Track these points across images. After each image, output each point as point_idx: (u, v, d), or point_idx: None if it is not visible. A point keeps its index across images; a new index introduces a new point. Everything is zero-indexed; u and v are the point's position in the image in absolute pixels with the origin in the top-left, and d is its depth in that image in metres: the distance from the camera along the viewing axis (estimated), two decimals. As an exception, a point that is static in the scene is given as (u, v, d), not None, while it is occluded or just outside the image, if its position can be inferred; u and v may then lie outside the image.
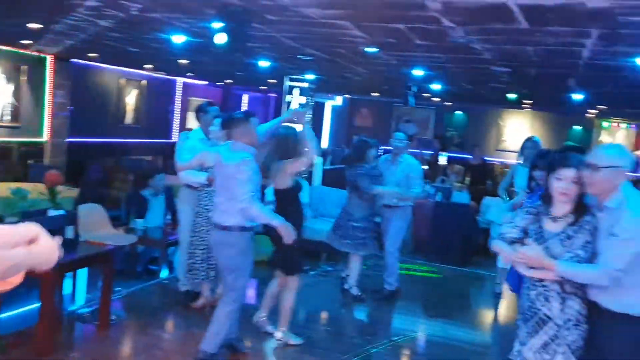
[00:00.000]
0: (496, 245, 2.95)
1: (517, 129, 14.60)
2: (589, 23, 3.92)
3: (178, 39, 6.00)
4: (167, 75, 12.35)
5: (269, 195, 5.10)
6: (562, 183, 2.75)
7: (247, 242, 3.94)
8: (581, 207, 2.79)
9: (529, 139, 6.08)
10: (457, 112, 15.32)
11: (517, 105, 12.61)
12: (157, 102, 12.46)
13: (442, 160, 11.75)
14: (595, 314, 2.75)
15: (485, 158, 12.31)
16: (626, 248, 2.61)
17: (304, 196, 7.88)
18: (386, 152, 7.32)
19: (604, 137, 14.16)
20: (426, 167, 12.82)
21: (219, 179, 4.01)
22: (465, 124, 15.27)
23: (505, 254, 2.93)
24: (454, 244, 7.92)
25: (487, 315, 6.48)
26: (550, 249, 2.77)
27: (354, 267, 5.98)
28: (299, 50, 6.35)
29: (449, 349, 5.06)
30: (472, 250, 7.95)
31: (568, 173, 2.75)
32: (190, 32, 5.64)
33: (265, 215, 3.91)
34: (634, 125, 13.86)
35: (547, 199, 2.87)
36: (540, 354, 2.81)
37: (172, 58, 8.22)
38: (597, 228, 2.74)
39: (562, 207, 2.81)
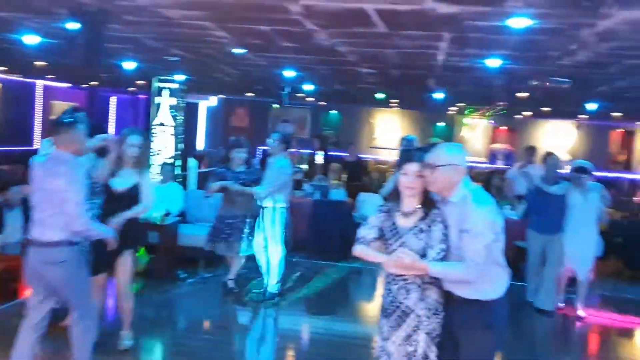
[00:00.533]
0: (360, 250, 2.97)
1: (387, 127, 15.29)
2: (440, 27, 4.17)
3: (30, 39, 5.59)
4: (25, 77, 11.48)
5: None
6: (408, 177, 2.85)
7: (78, 255, 3.60)
8: (428, 201, 2.89)
9: (403, 138, 6.21)
10: (331, 112, 15.71)
11: (385, 104, 13.19)
12: (15, 106, 11.54)
13: (319, 159, 11.98)
14: (450, 301, 2.89)
15: (360, 155, 12.71)
16: (480, 242, 2.74)
17: (178, 201, 7.71)
18: (264, 152, 7.29)
19: (465, 132, 15.19)
20: (306, 166, 13.06)
21: (39, 193, 3.52)
22: (339, 123, 15.69)
23: (374, 259, 2.95)
24: (333, 240, 8.09)
25: (369, 308, 6.66)
26: (408, 244, 2.86)
27: (233, 265, 5.94)
28: (164, 51, 6.17)
29: (333, 344, 5.09)
30: (350, 245, 8.15)
31: (412, 168, 2.85)
32: (42, 32, 5.28)
33: (95, 229, 3.62)
34: (492, 121, 14.98)
35: (395, 195, 2.95)
36: (404, 346, 2.89)
37: (27, 59, 7.65)
38: (446, 220, 2.87)
39: (410, 202, 2.90)
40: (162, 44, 5.74)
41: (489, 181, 12.09)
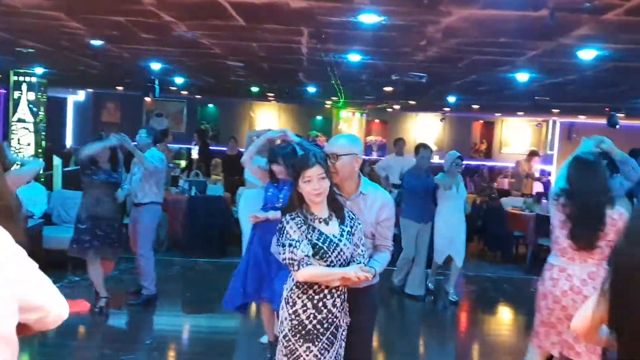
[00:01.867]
0: (310, 272, 2.57)
1: (267, 120, 15.33)
2: (297, 22, 4.25)
3: None
4: None
5: None
6: (312, 184, 2.61)
7: None
8: (335, 202, 2.72)
9: (308, 135, 6.33)
10: (209, 105, 15.47)
11: (263, 97, 13.21)
12: None
13: (196, 153, 11.76)
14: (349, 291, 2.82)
15: (241, 149, 12.61)
16: (391, 228, 2.97)
17: (41, 202, 7.23)
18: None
19: (342, 126, 15.61)
20: (184, 161, 12.74)
21: None
22: (217, 117, 15.50)
23: (329, 276, 2.60)
24: (211, 237, 7.98)
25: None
26: (344, 252, 2.66)
27: (92, 274, 5.50)
28: (15, 43, 5.76)
29: (213, 342, 5.05)
30: (228, 240, 8.09)
31: (314, 171, 2.61)
32: None
33: None
34: (366, 114, 15.52)
35: (299, 202, 2.68)
36: None
37: None
38: (357, 215, 2.81)
39: (321, 207, 2.68)
40: (11, 35, 5.36)
41: (361, 171, 12.55)
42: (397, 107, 13.17)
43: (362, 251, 2.71)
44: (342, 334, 2.71)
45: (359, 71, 6.72)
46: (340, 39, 4.83)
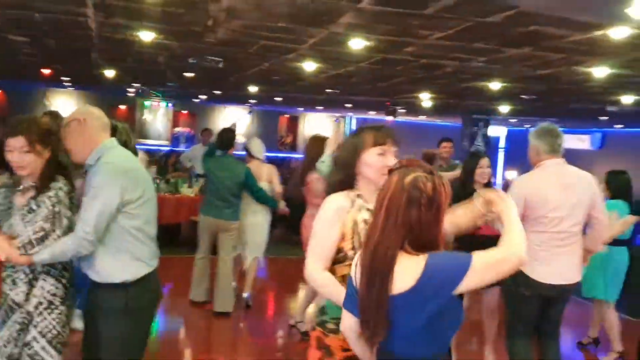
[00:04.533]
0: None
1: (65, 110, 14.38)
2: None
3: None
4: None
5: None
6: (13, 155, 2.58)
7: None
8: (44, 176, 2.60)
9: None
10: (-5, 90, 14.08)
11: (58, 82, 12.38)
12: None
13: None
14: (90, 286, 2.70)
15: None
16: (96, 207, 2.52)
17: None
18: None
19: (147, 115, 15.27)
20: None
21: None
22: (7, 103, 14.16)
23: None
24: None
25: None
26: (14, 225, 2.58)
27: None
28: None
29: None
30: None
31: (15, 143, 2.56)
32: None
33: None
34: (172, 104, 15.35)
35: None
36: (10, 347, 2.55)
37: None
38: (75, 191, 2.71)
39: (25, 178, 2.62)
40: None
41: (166, 162, 12.46)
42: (203, 97, 13.25)
43: (35, 232, 2.55)
44: (24, 317, 2.59)
45: (154, 52, 6.72)
46: (127, 13, 4.83)
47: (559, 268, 3.69)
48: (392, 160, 2.20)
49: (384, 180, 1.94)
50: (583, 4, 3.64)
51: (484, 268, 1.67)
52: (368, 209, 2.18)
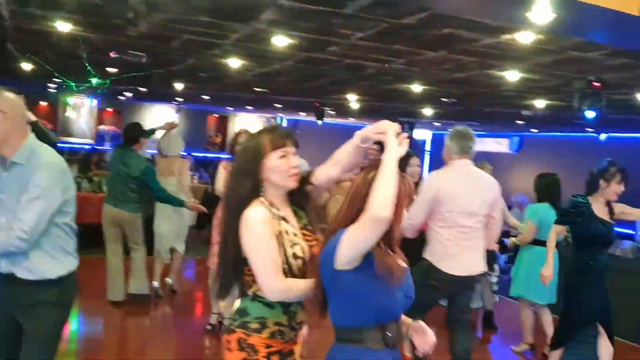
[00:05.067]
0: None
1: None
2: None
3: None
4: None
5: None
6: None
7: None
8: None
9: None
10: None
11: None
12: None
13: None
14: (9, 284, 2.64)
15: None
16: (35, 208, 2.52)
17: None
18: None
19: (70, 113, 14.75)
20: None
21: None
22: None
23: None
24: None
25: None
26: None
27: None
28: None
29: None
30: None
31: None
32: None
33: None
34: (97, 101, 14.90)
35: None
36: None
37: None
38: None
39: None
40: None
41: (89, 160, 12.11)
42: (129, 94, 12.94)
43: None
44: None
45: (74, 45, 6.53)
46: (42, 2, 4.70)
47: (466, 261, 3.92)
48: (295, 161, 2.17)
49: (293, 182, 2.16)
50: (490, 7, 3.85)
51: (350, 236, 1.87)
52: (283, 218, 2.15)
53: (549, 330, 5.39)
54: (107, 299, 5.81)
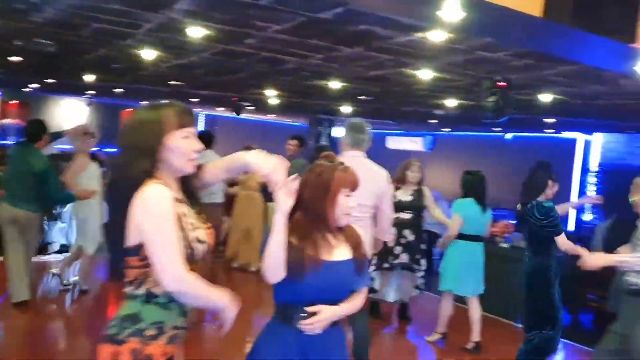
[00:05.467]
0: None
1: None
2: None
3: None
4: None
5: None
6: None
7: None
8: None
9: None
10: None
11: None
12: None
13: None
14: None
15: None
16: None
17: None
18: None
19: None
20: None
21: None
22: None
23: None
24: None
25: None
26: None
27: None
28: None
29: None
30: None
31: None
32: None
33: None
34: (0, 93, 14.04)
35: None
36: None
37: None
38: None
39: None
40: None
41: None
42: (35, 85, 12.26)
43: None
44: None
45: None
46: None
47: None
48: (197, 144, 2.02)
49: (192, 167, 2.04)
50: (403, 5, 3.96)
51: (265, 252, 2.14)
52: (179, 200, 1.98)
53: (477, 322, 5.61)
54: (12, 302, 5.49)
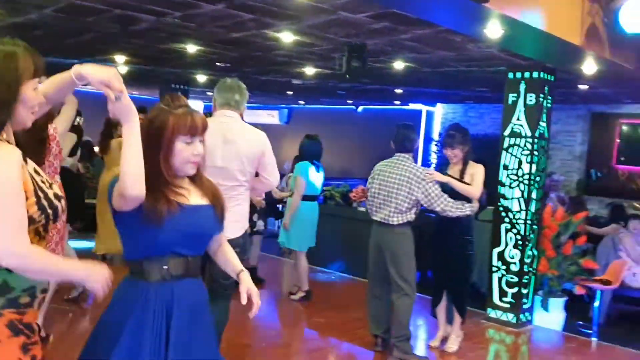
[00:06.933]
0: None
1: None
2: None
3: None
4: None
5: None
6: None
7: None
8: None
9: None
10: None
11: None
12: None
13: None
14: None
15: None
16: None
17: None
18: None
19: None
20: None
21: None
22: None
23: None
24: None
25: None
26: None
27: None
28: None
29: None
30: None
31: None
32: None
33: None
34: None
35: None
36: None
37: None
38: None
39: None
40: None
41: None
42: None
43: None
44: None
45: None
46: None
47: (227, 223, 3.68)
48: (39, 97, 1.83)
49: (33, 119, 1.83)
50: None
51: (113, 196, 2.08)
52: (24, 159, 1.77)
53: (304, 275, 6.26)
54: None
